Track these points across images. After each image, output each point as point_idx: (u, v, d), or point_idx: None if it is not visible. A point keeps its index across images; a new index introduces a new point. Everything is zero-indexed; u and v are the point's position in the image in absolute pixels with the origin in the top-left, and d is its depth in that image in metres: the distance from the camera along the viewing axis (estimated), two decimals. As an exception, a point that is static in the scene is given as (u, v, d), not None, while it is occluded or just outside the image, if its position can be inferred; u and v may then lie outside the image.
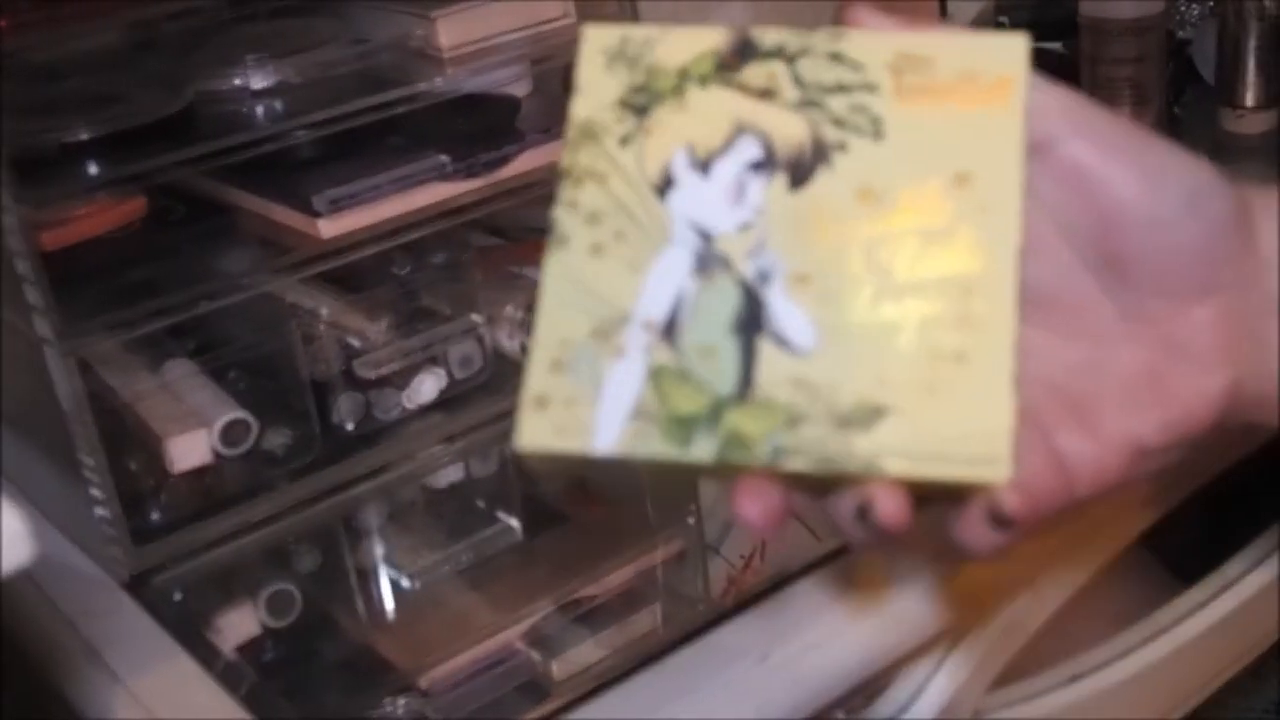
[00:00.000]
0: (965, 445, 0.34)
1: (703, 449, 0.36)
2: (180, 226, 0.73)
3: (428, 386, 0.75)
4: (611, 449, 0.36)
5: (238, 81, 0.72)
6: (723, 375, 0.36)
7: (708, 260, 0.37)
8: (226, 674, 0.61)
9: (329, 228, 0.70)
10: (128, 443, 0.69)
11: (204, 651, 0.63)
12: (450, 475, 0.76)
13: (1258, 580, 0.86)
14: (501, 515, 0.73)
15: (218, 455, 0.69)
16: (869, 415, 0.35)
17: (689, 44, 0.39)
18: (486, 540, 0.71)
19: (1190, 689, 0.87)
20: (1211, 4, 1.05)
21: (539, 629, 0.63)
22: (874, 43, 0.38)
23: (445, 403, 0.76)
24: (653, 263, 0.37)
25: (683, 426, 0.36)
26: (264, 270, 0.69)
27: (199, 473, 0.70)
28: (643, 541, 0.69)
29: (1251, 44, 0.96)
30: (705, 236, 0.37)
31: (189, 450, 0.69)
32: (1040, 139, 0.37)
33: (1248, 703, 1.06)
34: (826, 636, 0.62)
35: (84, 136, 0.66)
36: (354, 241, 0.70)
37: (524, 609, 0.64)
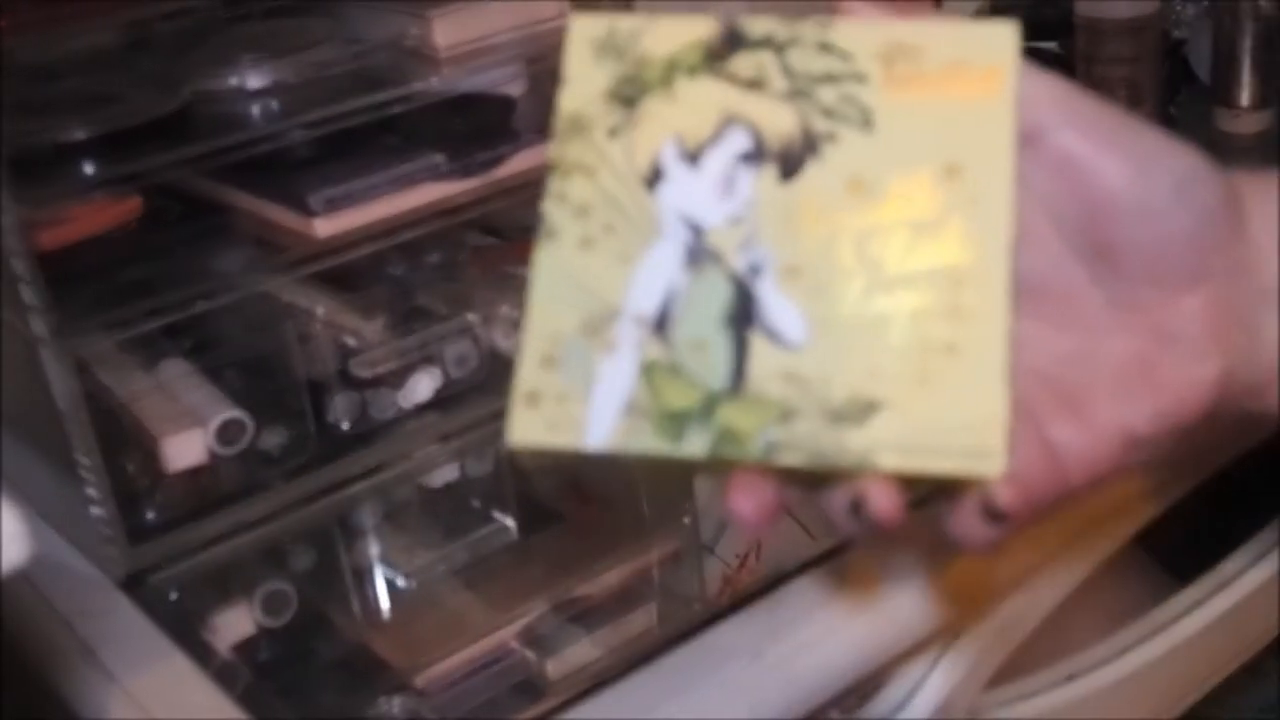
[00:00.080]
0: (958, 438, 0.34)
1: (695, 444, 0.35)
2: (176, 226, 0.73)
3: (423, 386, 0.75)
4: (604, 445, 0.36)
5: (233, 81, 0.72)
6: (714, 370, 0.36)
7: (698, 253, 0.37)
8: (222, 673, 0.61)
9: (325, 227, 0.70)
10: (123, 442, 0.69)
11: (199, 651, 0.63)
12: (446, 475, 0.76)
13: (1254, 578, 0.86)
14: (497, 515, 0.73)
15: (213, 455, 0.69)
16: (861, 409, 0.35)
17: (677, 34, 0.38)
18: (482, 540, 0.71)
19: (1187, 687, 0.87)
20: (1206, 4, 1.05)
21: (534, 628, 0.63)
22: (863, 32, 0.37)
23: (441, 402, 0.76)
24: (643, 256, 0.37)
25: (675, 422, 0.36)
26: (259, 270, 0.69)
27: (194, 472, 0.69)
28: (638, 541, 0.70)
29: (1246, 44, 0.96)
30: (695, 229, 0.37)
31: (184, 450, 0.69)
32: (1030, 129, 0.37)
33: (1245, 701, 1.07)
34: (821, 635, 0.62)
35: (80, 136, 0.66)
36: (349, 241, 0.70)
37: (519, 608, 0.64)
